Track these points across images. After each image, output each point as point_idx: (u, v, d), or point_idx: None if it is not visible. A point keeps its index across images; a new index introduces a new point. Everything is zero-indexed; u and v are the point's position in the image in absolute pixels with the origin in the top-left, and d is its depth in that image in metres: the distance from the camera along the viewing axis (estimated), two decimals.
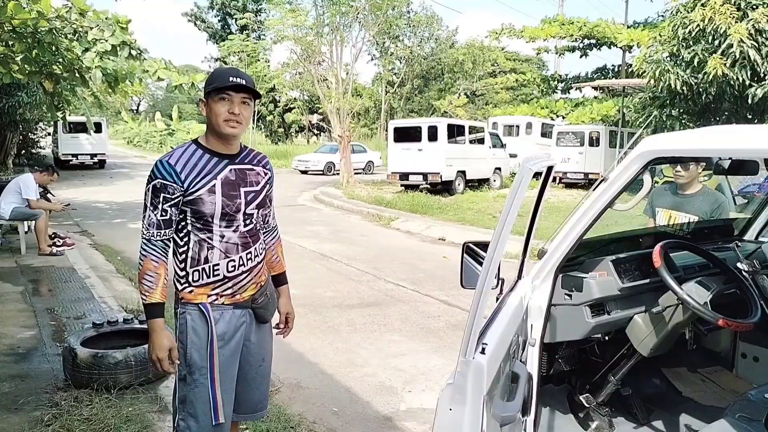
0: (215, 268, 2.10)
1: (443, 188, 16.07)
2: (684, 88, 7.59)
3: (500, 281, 2.16)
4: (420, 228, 11.08)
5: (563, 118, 23.53)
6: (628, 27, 22.74)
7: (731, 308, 2.19)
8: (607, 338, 2.36)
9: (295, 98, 42.08)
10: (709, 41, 7.22)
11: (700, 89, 7.56)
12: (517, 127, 20.91)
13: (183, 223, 2.10)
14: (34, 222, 7.46)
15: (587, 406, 2.43)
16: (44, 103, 14.16)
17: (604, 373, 2.48)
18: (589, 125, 19.74)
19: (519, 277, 2.23)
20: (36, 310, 5.16)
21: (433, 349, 4.83)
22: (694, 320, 2.22)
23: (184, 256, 2.11)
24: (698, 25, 7.18)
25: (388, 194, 15.97)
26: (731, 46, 6.84)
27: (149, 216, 2.04)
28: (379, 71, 43.17)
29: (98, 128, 21.90)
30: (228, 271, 2.12)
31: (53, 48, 8.97)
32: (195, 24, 43.95)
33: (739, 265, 2.36)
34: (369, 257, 8.49)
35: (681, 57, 7.53)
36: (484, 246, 2.18)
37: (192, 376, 2.10)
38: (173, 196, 2.04)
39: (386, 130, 41.58)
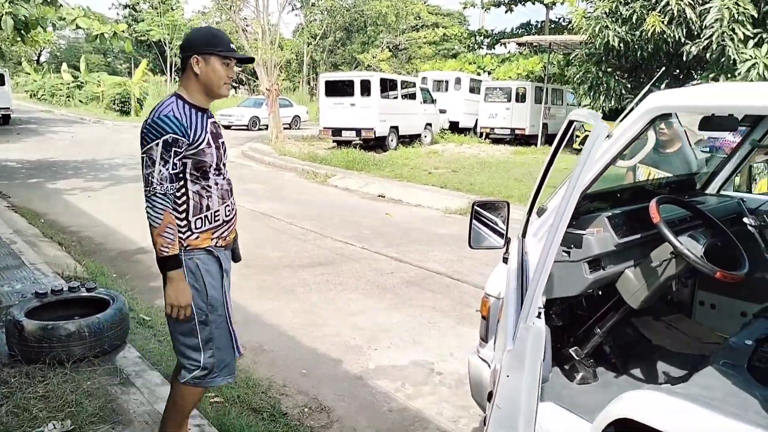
0: (216, 213, 2.25)
1: (376, 144, 15.95)
2: (621, 45, 7.79)
3: (507, 241, 2.13)
4: (358, 185, 10.99)
5: (489, 73, 23.79)
6: None
7: (715, 259, 2.27)
8: (600, 293, 2.40)
9: None
10: None
11: (636, 46, 7.79)
12: (446, 82, 20.89)
13: (180, 175, 2.16)
14: None
15: (576, 358, 2.48)
16: None
17: (589, 326, 2.54)
18: (516, 81, 20.07)
19: (523, 235, 2.20)
20: None
21: (392, 306, 4.84)
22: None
23: (184, 206, 2.18)
24: None
25: (321, 150, 15.71)
26: (668, 3, 7.05)
27: (161, 171, 2.06)
28: (301, 22, 41.95)
29: (1, 80, 20.10)
30: (226, 216, 2.29)
31: None
32: None
33: (745, 219, 2.44)
34: (310, 215, 8.35)
35: (619, 13, 7.71)
36: (492, 206, 2.14)
37: (213, 314, 2.25)
38: (182, 150, 2.11)
39: (309, 84, 40.89)
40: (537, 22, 26.28)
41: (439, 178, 11.34)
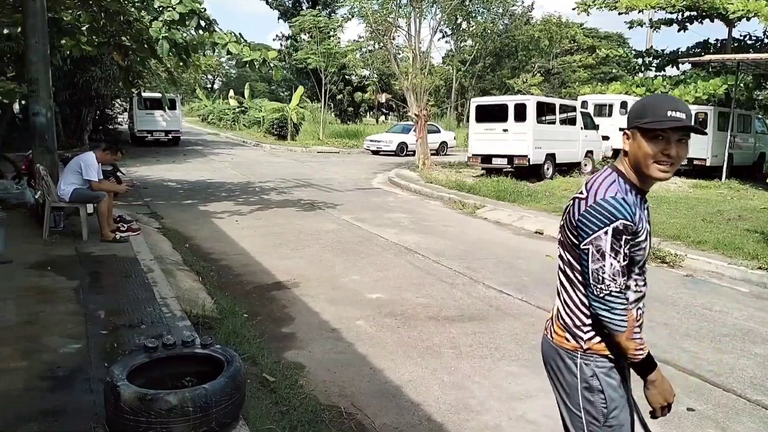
0: None
1: (530, 173, 14.70)
2: None
3: None
4: (511, 218, 9.91)
5: None
6: None
7: None
8: None
9: (366, 76, 41.23)
10: None
11: None
12: (610, 106, 19.06)
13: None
14: (96, 204, 6.83)
15: None
16: (119, 79, 13.90)
17: None
18: (694, 105, 17.75)
19: None
20: (87, 312, 4.43)
21: None
22: None
23: None
24: None
25: (468, 178, 14.80)
26: None
27: (612, 265, 1.74)
28: (451, 48, 41.75)
29: (172, 105, 21.80)
30: (636, 320, 1.86)
31: (121, 18, 8.37)
32: (267, 2, 43.56)
33: None
34: (459, 252, 7.44)
35: None
36: None
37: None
38: (631, 239, 1.77)
39: (456, 110, 40.36)
40: (716, 40, 23.45)
41: None
